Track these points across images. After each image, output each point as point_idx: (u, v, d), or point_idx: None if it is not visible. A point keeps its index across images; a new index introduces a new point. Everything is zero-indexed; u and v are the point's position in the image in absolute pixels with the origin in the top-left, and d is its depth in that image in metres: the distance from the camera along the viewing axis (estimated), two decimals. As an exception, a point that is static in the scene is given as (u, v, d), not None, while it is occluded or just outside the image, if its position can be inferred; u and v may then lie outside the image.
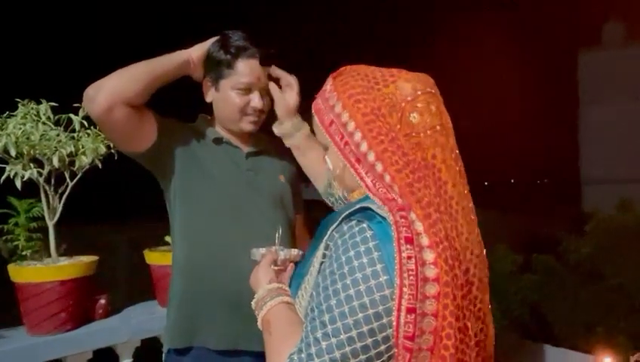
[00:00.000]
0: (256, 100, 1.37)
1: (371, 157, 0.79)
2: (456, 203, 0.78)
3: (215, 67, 1.37)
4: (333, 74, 0.89)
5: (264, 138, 1.51)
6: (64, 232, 1.78)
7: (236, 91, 1.36)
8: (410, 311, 0.69)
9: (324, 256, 0.80)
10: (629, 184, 8.30)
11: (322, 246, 0.81)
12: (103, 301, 1.81)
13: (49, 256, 1.71)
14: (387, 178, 0.77)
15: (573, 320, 4.03)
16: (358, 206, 0.79)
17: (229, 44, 1.36)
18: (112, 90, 1.23)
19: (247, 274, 1.01)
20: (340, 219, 0.79)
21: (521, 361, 1.60)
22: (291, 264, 1.00)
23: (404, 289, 0.69)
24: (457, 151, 0.83)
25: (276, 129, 1.40)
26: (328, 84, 0.88)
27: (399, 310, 0.69)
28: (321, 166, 1.19)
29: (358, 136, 0.80)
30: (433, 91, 0.84)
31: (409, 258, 0.70)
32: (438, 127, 0.80)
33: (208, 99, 1.43)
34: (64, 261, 1.70)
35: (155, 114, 1.37)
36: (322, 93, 0.89)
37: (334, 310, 0.71)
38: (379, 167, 0.78)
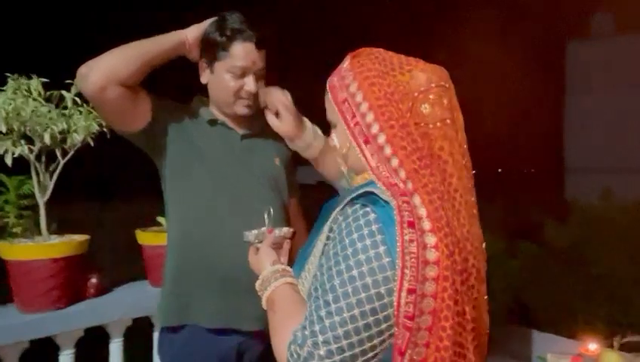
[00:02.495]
0: (250, 84, 1.36)
1: (381, 139, 0.80)
2: (460, 195, 0.80)
3: (211, 49, 1.36)
4: (352, 53, 0.89)
5: (260, 120, 1.51)
6: (56, 210, 1.77)
7: (231, 74, 1.35)
8: (410, 291, 0.72)
9: (327, 238, 0.82)
10: (613, 173, 8.44)
11: (326, 228, 0.83)
12: (94, 280, 1.81)
13: (40, 233, 1.69)
14: (395, 162, 0.78)
15: (555, 306, 4.12)
16: (362, 190, 0.80)
17: (226, 26, 1.34)
18: (106, 70, 1.22)
19: (240, 255, 1.02)
20: (344, 203, 0.81)
21: (507, 345, 1.64)
22: (286, 240, 1.02)
23: (406, 271, 0.72)
24: (466, 146, 0.85)
25: (290, 146, 1.37)
26: (346, 63, 0.89)
27: (400, 290, 0.72)
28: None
29: (370, 117, 0.81)
30: (447, 85, 0.85)
31: (411, 241, 0.73)
32: (448, 121, 0.82)
33: (203, 81, 1.42)
34: (55, 239, 1.69)
35: (150, 94, 1.36)
36: (338, 71, 0.89)
37: (337, 289, 0.74)
38: (387, 150, 0.79)
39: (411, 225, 0.73)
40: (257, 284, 0.93)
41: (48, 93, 1.66)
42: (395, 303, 0.72)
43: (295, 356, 0.73)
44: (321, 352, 0.72)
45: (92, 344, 1.83)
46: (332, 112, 0.90)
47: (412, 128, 0.80)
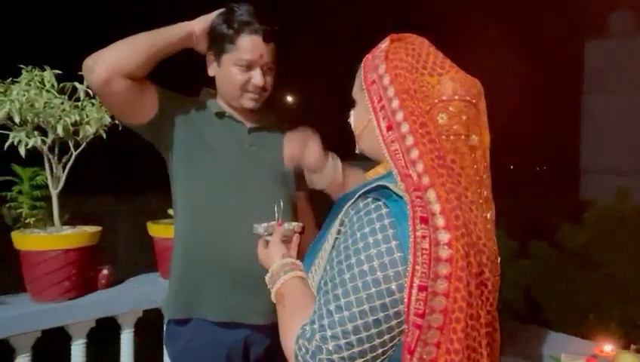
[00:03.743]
0: (257, 78, 1.35)
1: (404, 128, 0.77)
2: (476, 208, 0.77)
3: (218, 41, 1.35)
4: (393, 35, 0.87)
5: (268, 114, 1.50)
6: (68, 202, 1.78)
7: (238, 67, 1.34)
8: (421, 288, 0.70)
9: (338, 232, 0.80)
10: (629, 174, 8.30)
11: (337, 222, 0.81)
12: (105, 271, 1.82)
13: (52, 224, 1.71)
14: (415, 153, 0.76)
15: (566, 307, 4.07)
16: (375, 184, 0.78)
17: (233, 18, 1.33)
18: (111, 62, 1.22)
19: (248, 248, 1.01)
20: (356, 196, 0.79)
21: (519, 344, 1.62)
22: (296, 234, 1.02)
23: (417, 268, 0.70)
24: (485, 164, 0.81)
25: (307, 180, 1.31)
26: (384, 44, 0.87)
27: (411, 287, 0.70)
28: None
29: (395, 103, 0.79)
30: (473, 101, 0.81)
31: (423, 237, 0.71)
32: (462, 137, 0.79)
33: (211, 73, 1.41)
34: (68, 230, 1.70)
35: (157, 86, 1.35)
36: (375, 50, 0.87)
37: (347, 284, 0.72)
38: (409, 140, 0.76)
39: (424, 220, 0.71)
40: (267, 278, 0.92)
41: (61, 85, 1.67)
42: (406, 300, 0.70)
43: (303, 350, 0.72)
44: (330, 347, 0.71)
45: (104, 334, 1.85)
46: (358, 90, 0.88)
47: (431, 128, 0.77)
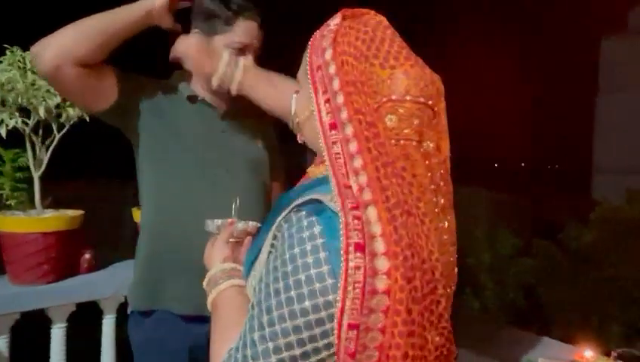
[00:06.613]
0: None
1: (349, 130, 0.67)
2: (430, 221, 0.67)
3: (209, 20, 1.30)
4: (345, 11, 0.76)
5: (244, 100, 1.46)
6: (52, 185, 1.77)
7: (229, 50, 1.30)
8: (352, 326, 0.61)
9: (272, 245, 0.72)
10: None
11: (270, 234, 0.72)
12: (88, 255, 1.80)
13: (34, 207, 1.69)
14: (358, 162, 0.65)
15: (567, 307, 4.02)
16: (309, 196, 0.69)
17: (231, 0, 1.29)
18: (59, 49, 1.14)
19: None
20: (289, 208, 0.70)
21: (495, 347, 1.58)
22: (249, 237, 0.92)
23: (347, 304, 0.61)
24: (443, 172, 0.72)
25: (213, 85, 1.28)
26: (334, 21, 0.76)
27: (340, 324, 0.62)
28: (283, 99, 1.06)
29: (340, 99, 0.68)
30: (429, 103, 0.71)
31: (356, 268, 0.61)
32: (414, 143, 0.69)
33: None
34: (49, 213, 1.69)
35: (117, 70, 1.28)
36: (324, 28, 0.76)
37: (274, 311, 0.64)
38: (353, 146, 0.66)
39: (359, 248, 0.61)
40: (204, 283, 0.86)
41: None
42: (336, 339, 0.62)
43: None
44: None
45: (86, 319, 1.84)
46: (303, 74, 0.77)
47: (380, 129, 0.67)
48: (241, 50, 1.31)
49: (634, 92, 10.56)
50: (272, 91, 1.21)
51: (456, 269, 0.73)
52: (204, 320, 1.31)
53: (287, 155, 1.60)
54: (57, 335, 1.72)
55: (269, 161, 1.44)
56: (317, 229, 0.65)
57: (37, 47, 1.17)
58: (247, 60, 1.25)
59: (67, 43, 1.16)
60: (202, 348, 1.32)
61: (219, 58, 1.24)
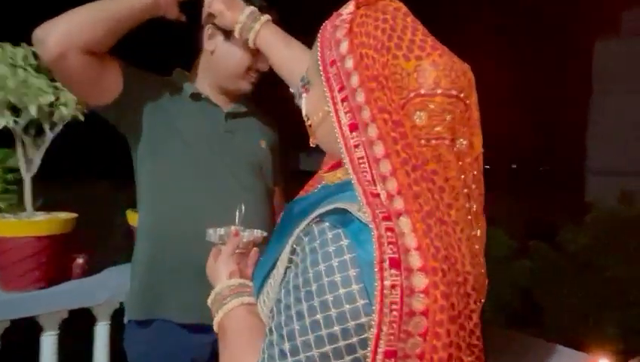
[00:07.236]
0: (265, 63, 1.28)
1: (372, 132, 0.60)
2: (461, 230, 0.61)
3: None
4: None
5: (249, 100, 1.41)
6: (44, 187, 1.71)
7: (249, 49, 1.25)
8: (389, 355, 0.54)
9: (290, 260, 0.63)
10: (635, 177, 8.19)
11: (288, 248, 0.64)
12: (81, 260, 1.75)
13: (25, 210, 1.63)
14: (386, 167, 0.59)
15: (564, 310, 4.00)
16: (331, 206, 0.61)
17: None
18: (64, 34, 1.08)
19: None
20: (309, 218, 0.63)
21: (509, 355, 1.54)
22: (255, 249, 0.86)
23: (383, 329, 0.54)
24: (475, 173, 0.64)
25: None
26: (347, 9, 0.67)
27: (375, 353, 0.54)
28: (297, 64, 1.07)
29: (361, 97, 0.61)
30: (462, 96, 0.62)
31: (393, 287, 0.54)
32: (447, 142, 0.61)
33: (209, 47, 1.31)
34: (40, 216, 1.62)
35: (122, 63, 1.23)
36: (335, 18, 0.68)
37: (297, 338, 0.57)
38: (379, 149, 0.59)
39: (395, 264, 0.54)
40: (209, 301, 0.79)
41: (38, 62, 1.58)
42: None
43: None
44: None
45: (78, 327, 1.78)
46: (313, 70, 0.69)
47: (407, 129, 0.60)
48: (258, 51, 1.26)
49: (628, 94, 10.62)
50: (286, 52, 1.18)
51: (486, 281, 0.66)
52: (208, 329, 1.26)
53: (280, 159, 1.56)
54: (48, 343, 1.66)
55: (271, 164, 1.39)
56: (344, 243, 0.57)
57: (40, 32, 1.10)
58: (267, 17, 1.22)
59: (73, 28, 1.10)
60: (206, 359, 1.27)
61: (241, 10, 1.20)
